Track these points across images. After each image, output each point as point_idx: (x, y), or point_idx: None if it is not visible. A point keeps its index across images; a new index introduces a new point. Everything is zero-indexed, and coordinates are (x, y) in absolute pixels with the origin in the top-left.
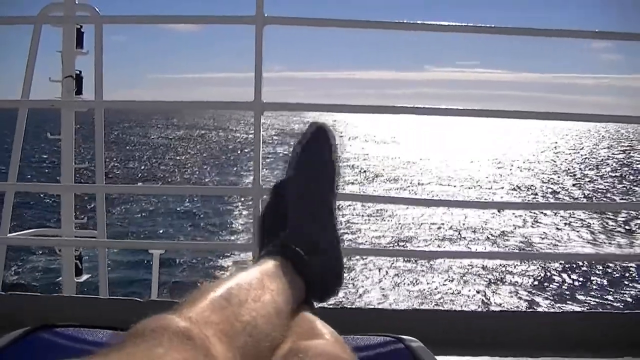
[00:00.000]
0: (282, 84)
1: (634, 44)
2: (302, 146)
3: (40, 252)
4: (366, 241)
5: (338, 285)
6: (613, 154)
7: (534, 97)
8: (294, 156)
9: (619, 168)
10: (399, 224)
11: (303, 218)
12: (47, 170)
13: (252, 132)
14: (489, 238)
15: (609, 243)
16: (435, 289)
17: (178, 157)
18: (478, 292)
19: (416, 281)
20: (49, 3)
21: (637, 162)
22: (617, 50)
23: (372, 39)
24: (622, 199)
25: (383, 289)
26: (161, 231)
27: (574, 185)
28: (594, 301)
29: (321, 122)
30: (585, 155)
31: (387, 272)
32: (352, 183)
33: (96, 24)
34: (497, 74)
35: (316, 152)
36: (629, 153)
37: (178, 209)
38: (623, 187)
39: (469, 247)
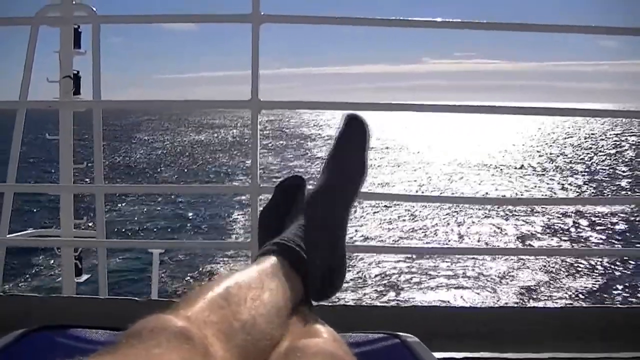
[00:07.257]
0: (281, 80)
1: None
2: (336, 141)
3: (40, 253)
4: (366, 238)
5: (338, 284)
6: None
7: (533, 85)
8: (329, 152)
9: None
10: (397, 219)
11: (309, 216)
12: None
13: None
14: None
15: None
16: (434, 284)
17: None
18: (478, 287)
19: (414, 277)
20: (47, 4)
21: None
22: (614, 37)
23: (372, 33)
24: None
25: (380, 285)
26: (160, 230)
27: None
28: (594, 295)
29: (355, 114)
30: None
31: (384, 268)
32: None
33: (93, 23)
34: (495, 64)
35: (347, 149)
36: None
37: (177, 207)
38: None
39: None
